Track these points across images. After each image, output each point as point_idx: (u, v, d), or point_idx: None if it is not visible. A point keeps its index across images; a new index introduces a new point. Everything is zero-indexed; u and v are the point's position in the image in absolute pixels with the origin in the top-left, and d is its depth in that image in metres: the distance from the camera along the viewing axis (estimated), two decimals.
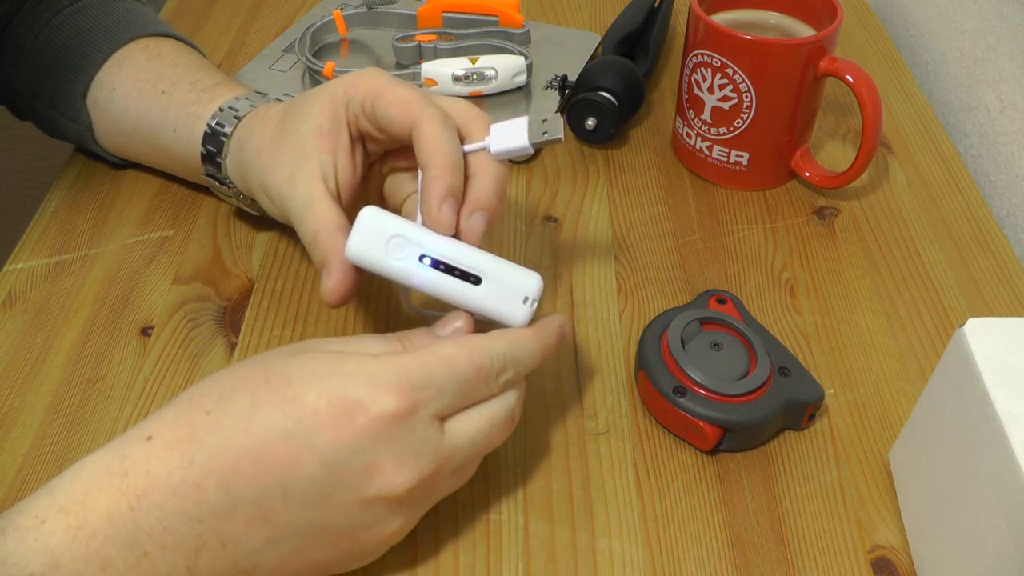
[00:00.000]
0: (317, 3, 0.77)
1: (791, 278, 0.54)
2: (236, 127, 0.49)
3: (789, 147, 0.59)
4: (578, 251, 0.55)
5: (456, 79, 0.63)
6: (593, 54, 0.69)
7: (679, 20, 0.76)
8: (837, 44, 0.56)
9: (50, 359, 0.49)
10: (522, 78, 0.64)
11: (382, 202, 0.47)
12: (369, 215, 0.39)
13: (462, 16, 0.68)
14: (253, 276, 0.53)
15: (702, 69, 0.56)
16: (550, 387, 0.48)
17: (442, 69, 0.63)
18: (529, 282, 0.39)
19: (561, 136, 0.41)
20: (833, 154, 0.64)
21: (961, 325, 0.37)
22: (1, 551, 0.31)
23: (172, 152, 0.53)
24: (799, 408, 0.45)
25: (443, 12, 0.69)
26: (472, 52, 0.66)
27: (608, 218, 0.58)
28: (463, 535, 0.41)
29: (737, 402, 0.43)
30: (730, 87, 0.55)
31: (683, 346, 0.46)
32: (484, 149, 0.41)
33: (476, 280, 0.39)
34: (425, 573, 0.40)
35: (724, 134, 0.58)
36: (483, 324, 0.40)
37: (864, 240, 0.57)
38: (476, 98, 0.64)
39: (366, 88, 0.42)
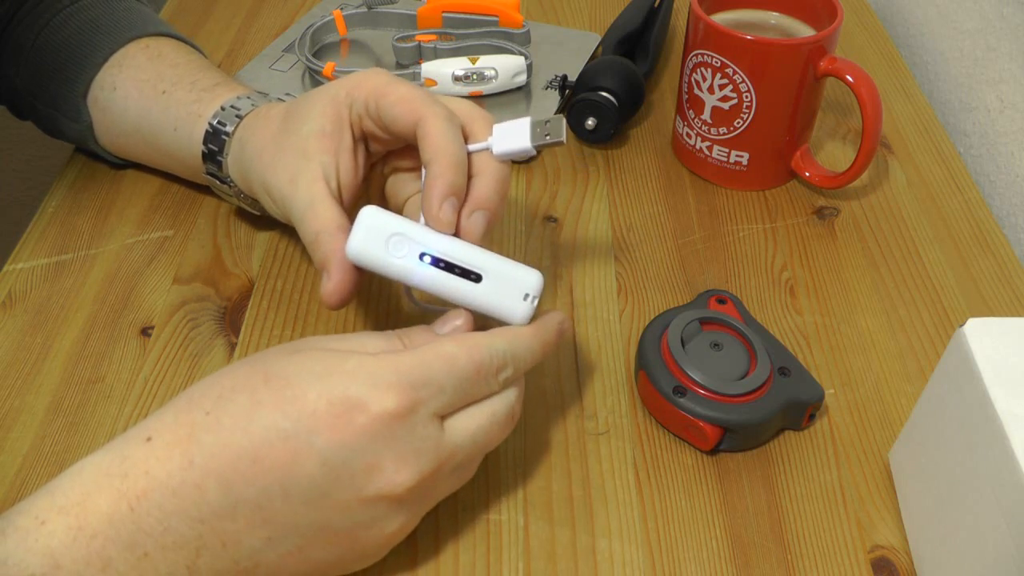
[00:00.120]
0: (317, 3, 0.77)
1: (791, 278, 0.54)
2: (238, 126, 0.49)
3: (789, 147, 0.59)
4: (578, 251, 0.56)
5: (456, 79, 0.63)
6: (593, 54, 0.69)
7: (679, 20, 0.76)
8: (837, 44, 0.56)
9: (50, 359, 0.49)
10: (522, 78, 0.64)
11: (383, 202, 0.47)
12: (369, 214, 0.39)
13: (462, 16, 0.68)
14: (253, 276, 0.53)
15: (702, 69, 0.56)
16: (550, 387, 0.48)
17: (442, 69, 0.63)
18: (530, 279, 0.39)
19: (563, 139, 0.41)
20: (833, 154, 0.64)
21: (961, 325, 0.37)
22: (1, 552, 0.31)
23: (173, 152, 0.53)
24: (799, 408, 0.45)
25: (443, 12, 0.69)
26: (472, 52, 0.66)
27: (608, 218, 0.58)
28: (463, 535, 0.41)
29: (737, 402, 0.43)
30: (730, 87, 0.55)
31: (683, 346, 0.46)
32: (487, 149, 0.41)
33: (476, 278, 0.39)
34: (425, 573, 0.40)
35: (724, 134, 0.58)
36: (483, 322, 0.40)
37: (864, 240, 0.57)
38: (476, 98, 0.64)
39: (369, 88, 0.42)
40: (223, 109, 0.50)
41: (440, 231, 0.39)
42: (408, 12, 0.70)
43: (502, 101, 0.64)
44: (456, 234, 0.40)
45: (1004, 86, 0.65)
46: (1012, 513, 0.32)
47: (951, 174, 0.62)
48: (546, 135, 0.41)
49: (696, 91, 0.58)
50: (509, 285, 0.39)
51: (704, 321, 0.47)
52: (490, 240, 0.43)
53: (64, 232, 0.56)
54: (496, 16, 0.68)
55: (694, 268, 0.55)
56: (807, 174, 0.59)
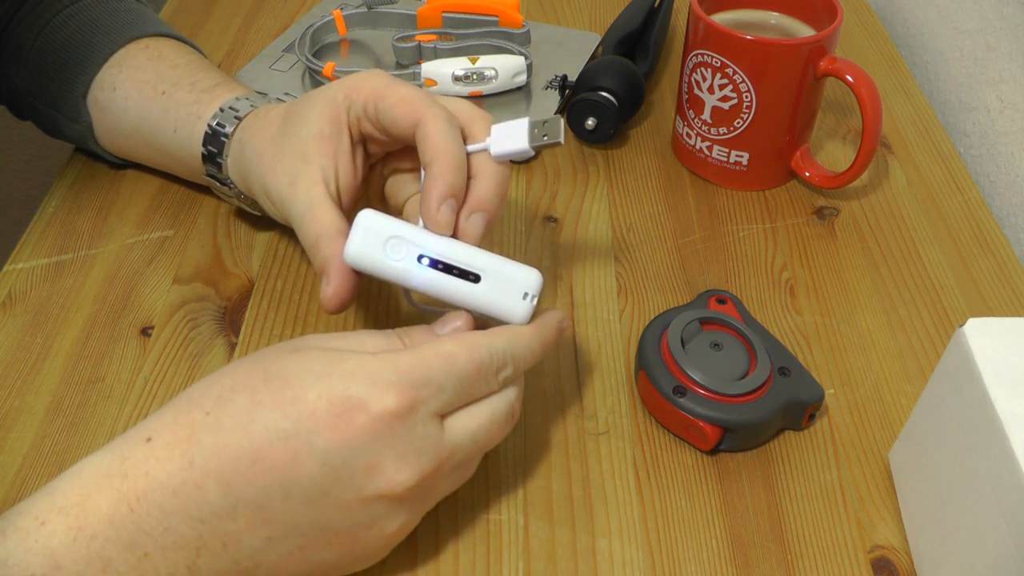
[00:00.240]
0: (317, 3, 0.77)
1: (791, 278, 0.54)
2: (237, 127, 0.49)
3: (789, 147, 0.59)
4: (578, 251, 0.56)
5: (456, 79, 0.63)
6: (593, 54, 0.69)
7: (679, 20, 0.76)
8: (837, 44, 0.56)
9: (50, 359, 0.49)
10: (522, 78, 0.64)
11: (383, 204, 0.47)
12: (367, 217, 0.39)
13: (462, 16, 0.68)
14: (253, 276, 0.53)
15: (702, 69, 0.56)
16: (550, 387, 0.48)
17: (442, 69, 0.63)
18: (529, 278, 0.39)
19: (561, 140, 0.41)
20: (833, 154, 0.64)
21: (961, 325, 0.37)
22: (1, 553, 0.31)
23: (172, 152, 0.53)
24: (799, 408, 0.45)
25: (443, 12, 0.69)
26: (472, 52, 0.66)
27: (608, 218, 0.58)
28: (463, 535, 0.41)
29: (737, 402, 0.43)
30: (730, 87, 0.55)
31: (683, 346, 0.46)
32: (485, 150, 0.41)
33: (475, 278, 0.39)
34: (425, 573, 0.40)
35: (724, 134, 0.58)
36: (483, 323, 0.40)
37: (864, 240, 0.57)
38: (476, 98, 0.64)
39: (368, 90, 0.42)
40: (222, 110, 0.50)
41: (439, 232, 0.39)
42: (408, 12, 0.70)
43: (502, 101, 0.64)
44: (455, 236, 0.40)
45: (1004, 86, 0.65)
46: (1012, 513, 0.32)
47: (951, 174, 0.62)
48: (544, 136, 0.41)
49: (696, 91, 0.58)
50: (508, 284, 0.39)
51: (704, 321, 0.47)
52: (490, 241, 0.43)
53: (64, 232, 0.56)
54: (496, 16, 0.68)
55: (694, 268, 0.55)
56: (807, 174, 0.59)
